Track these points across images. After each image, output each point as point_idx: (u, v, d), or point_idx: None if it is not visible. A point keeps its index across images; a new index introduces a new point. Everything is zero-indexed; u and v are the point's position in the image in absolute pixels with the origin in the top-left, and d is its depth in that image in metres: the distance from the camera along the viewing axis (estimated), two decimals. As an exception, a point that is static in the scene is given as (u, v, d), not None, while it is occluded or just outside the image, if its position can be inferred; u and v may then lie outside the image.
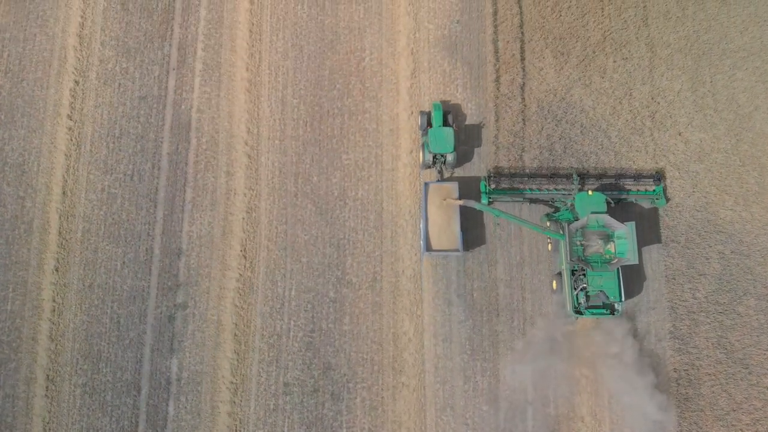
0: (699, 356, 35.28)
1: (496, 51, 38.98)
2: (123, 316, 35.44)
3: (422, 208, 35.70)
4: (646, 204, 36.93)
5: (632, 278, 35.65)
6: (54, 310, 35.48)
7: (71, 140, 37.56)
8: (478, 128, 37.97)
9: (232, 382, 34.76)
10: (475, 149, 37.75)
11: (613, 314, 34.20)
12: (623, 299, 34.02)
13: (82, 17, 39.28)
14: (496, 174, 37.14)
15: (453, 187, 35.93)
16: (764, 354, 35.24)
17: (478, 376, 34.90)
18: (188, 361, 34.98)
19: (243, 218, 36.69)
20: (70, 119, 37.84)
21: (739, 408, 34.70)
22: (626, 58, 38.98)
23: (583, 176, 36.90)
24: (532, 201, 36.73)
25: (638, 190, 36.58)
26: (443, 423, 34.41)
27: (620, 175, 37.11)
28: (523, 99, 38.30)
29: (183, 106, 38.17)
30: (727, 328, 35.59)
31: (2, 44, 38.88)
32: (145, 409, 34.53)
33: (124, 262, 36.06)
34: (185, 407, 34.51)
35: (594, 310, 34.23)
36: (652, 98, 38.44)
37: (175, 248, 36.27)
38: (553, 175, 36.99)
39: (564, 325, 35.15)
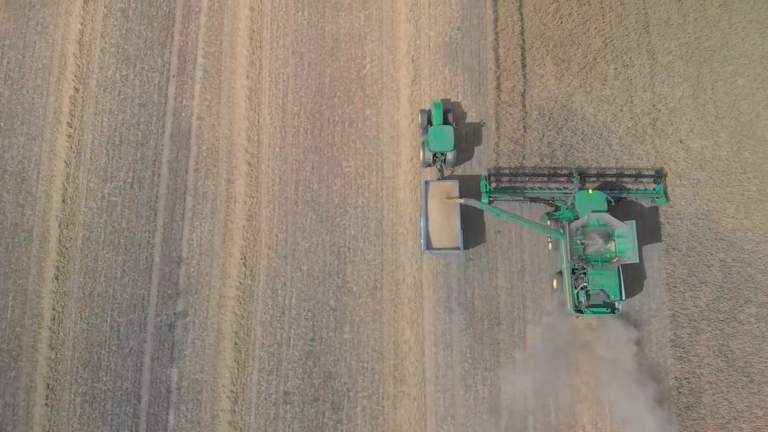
0: (700, 364, 35.20)
1: (497, 58, 38.90)
2: (123, 325, 35.38)
3: (422, 206, 35.67)
4: (646, 203, 36.95)
5: (632, 278, 35.67)
6: (54, 319, 35.43)
7: (71, 148, 37.50)
8: (478, 128, 37.90)
9: (232, 391, 34.71)
10: (475, 147, 37.73)
11: (614, 313, 34.24)
12: (623, 298, 34.05)
13: (82, 24, 39.22)
14: (497, 173, 37.08)
15: (453, 186, 35.93)
16: (765, 362, 35.16)
17: (479, 385, 34.84)
18: (188, 369, 34.92)
19: (243, 226, 36.62)
20: (70, 127, 37.78)
21: (740, 416, 34.62)
22: (627, 65, 38.90)
23: (584, 175, 36.90)
24: (533, 200, 36.74)
25: (639, 189, 36.66)
26: (444, 432, 34.47)
27: (620, 174, 37.07)
28: (524, 106, 38.22)
29: (183, 114, 38.11)
30: (729, 336, 35.52)
31: (2, 51, 38.85)
32: (145, 418, 34.48)
33: (124, 271, 36.00)
34: (185, 416, 34.47)
35: (594, 309, 34.24)
36: (653, 105, 38.36)
37: (176, 256, 36.20)
38: (554, 174, 36.99)
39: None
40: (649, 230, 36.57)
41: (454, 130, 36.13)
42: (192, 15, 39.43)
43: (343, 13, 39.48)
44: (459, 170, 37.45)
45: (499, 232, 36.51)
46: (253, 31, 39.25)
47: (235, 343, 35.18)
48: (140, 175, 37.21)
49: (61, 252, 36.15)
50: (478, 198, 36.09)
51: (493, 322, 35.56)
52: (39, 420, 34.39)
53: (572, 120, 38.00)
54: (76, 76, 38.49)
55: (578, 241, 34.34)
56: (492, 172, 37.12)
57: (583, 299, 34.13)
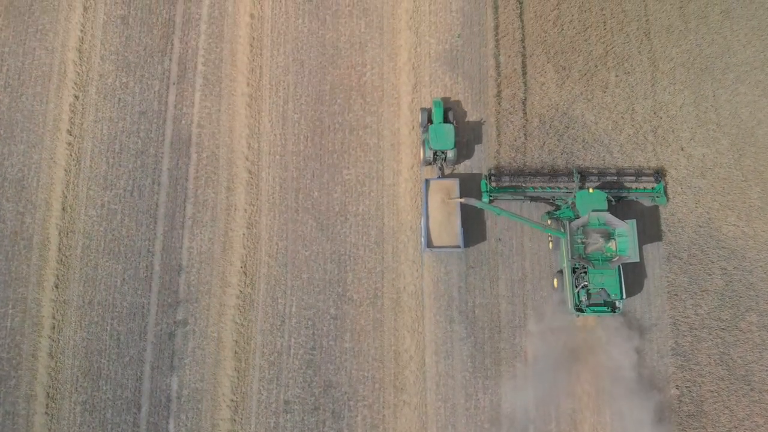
0: (701, 373, 35.14)
1: (498, 65, 38.82)
2: (123, 333, 35.30)
3: (423, 204, 35.63)
4: (646, 202, 36.95)
5: (634, 284, 35.74)
6: (54, 327, 35.35)
7: (71, 155, 37.42)
8: (479, 127, 37.87)
9: (232, 400, 34.63)
10: (476, 146, 37.72)
11: (614, 312, 34.27)
12: (624, 297, 34.07)
13: (81, 31, 39.12)
14: (497, 172, 37.06)
15: (454, 184, 35.92)
16: (766, 370, 35.11)
17: (479, 394, 34.77)
18: (188, 378, 34.85)
19: (243, 234, 36.54)
20: (70, 134, 37.70)
21: (741, 425, 34.57)
22: (628, 72, 38.82)
23: (584, 174, 36.88)
24: (533, 199, 36.74)
25: (639, 188, 36.68)
26: (444, 441, 34.40)
27: (621, 173, 37.03)
28: (525, 114, 38.14)
29: (183, 121, 38.03)
30: (730, 344, 35.46)
31: (1, 58, 38.74)
32: (146, 427, 34.40)
33: (124, 279, 35.92)
34: (185, 425, 34.39)
35: (595, 308, 34.25)
36: (655, 113, 38.28)
37: (176, 264, 36.12)
38: (554, 174, 36.95)
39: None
40: (650, 230, 36.56)
41: (455, 128, 36.18)
42: (192, 22, 39.34)
43: (343, 20, 39.40)
44: (459, 168, 37.46)
45: (500, 240, 36.46)
46: (254, 39, 39.16)
47: (236, 352, 35.11)
48: (140, 183, 37.12)
49: (61, 260, 36.07)
50: (479, 197, 36.08)
51: (494, 331, 35.50)
52: (39, 429, 34.30)
53: (573, 127, 37.92)
54: (75, 83, 38.40)
55: (579, 240, 34.38)
56: (492, 171, 37.07)
57: (583, 298, 34.16)
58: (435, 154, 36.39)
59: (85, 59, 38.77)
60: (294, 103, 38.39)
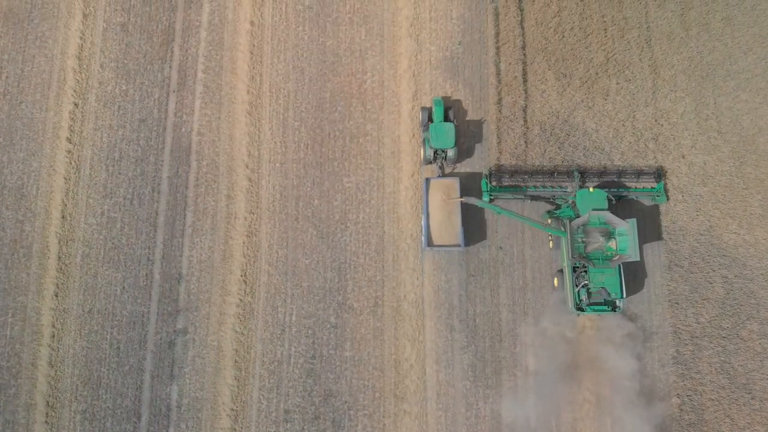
0: (702, 381, 35.08)
1: (498, 73, 38.72)
2: (123, 342, 35.23)
3: (423, 203, 35.62)
4: (647, 201, 36.95)
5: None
6: (53, 336, 35.27)
7: (70, 163, 37.32)
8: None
9: (232, 409, 34.56)
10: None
11: (615, 311, 34.27)
12: (624, 296, 34.11)
13: (81, 39, 39.02)
14: (498, 172, 37.00)
15: (454, 183, 35.90)
16: (767, 379, 35.02)
17: (480, 403, 34.70)
18: (188, 387, 34.77)
19: (243, 242, 36.45)
20: (70, 142, 37.60)
21: (742, 434, 34.61)
22: (629, 79, 38.72)
23: (584, 173, 36.87)
24: (534, 198, 36.73)
25: (639, 188, 36.72)
26: (445, 450, 34.34)
27: (621, 173, 37.02)
28: (526, 121, 38.05)
29: (183, 129, 37.93)
30: (731, 353, 35.38)
31: (1, 66, 38.64)
32: (145, 436, 34.42)
33: (123, 287, 35.84)
34: (185, 434, 34.39)
35: (595, 307, 34.24)
36: (656, 120, 38.19)
37: (175, 273, 36.04)
38: (555, 173, 36.93)
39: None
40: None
41: (455, 127, 36.19)
42: (192, 29, 39.24)
43: (343, 27, 39.30)
44: (460, 167, 37.47)
45: (501, 248, 36.39)
46: (254, 46, 39.06)
47: (236, 361, 35.04)
48: (140, 191, 37.03)
49: (61, 268, 35.98)
50: (479, 196, 36.11)
51: (495, 340, 35.43)
52: (38, 438, 34.31)
53: (574, 135, 37.84)
54: (75, 91, 38.30)
55: (579, 239, 34.40)
56: (493, 170, 37.02)
57: (584, 297, 34.16)
58: (435, 152, 36.43)
59: (85, 67, 38.67)
60: (294, 110, 38.30)
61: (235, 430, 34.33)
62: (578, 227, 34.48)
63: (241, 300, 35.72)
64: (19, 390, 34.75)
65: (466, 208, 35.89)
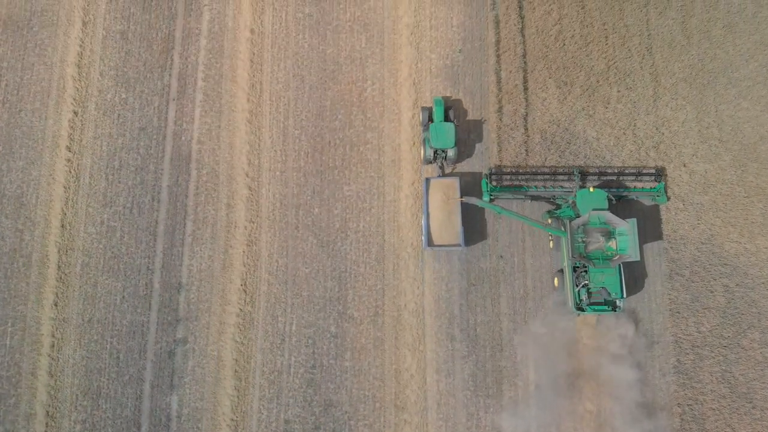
0: (703, 391, 35.01)
1: (499, 81, 38.61)
2: (123, 352, 35.14)
3: (423, 203, 35.61)
4: (647, 201, 36.93)
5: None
6: (53, 346, 35.19)
7: (70, 172, 37.22)
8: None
9: (232, 419, 34.48)
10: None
11: (615, 311, 34.28)
12: (625, 296, 34.12)
13: (80, 46, 38.90)
14: (498, 172, 36.97)
15: (454, 183, 35.87)
16: (769, 388, 35.11)
17: (481, 413, 34.63)
18: (188, 397, 34.69)
19: (243, 251, 36.36)
20: (69, 151, 37.50)
21: (743, 443, 34.55)
22: (630, 87, 38.62)
23: (585, 173, 36.84)
24: (534, 198, 36.72)
25: (640, 188, 36.72)
26: (446, 460, 34.28)
27: (621, 173, 36.97)
28: (526, 129, 37.95)
29: (183, 138, 37.83)
30: (732, 362, 35.31)
31: (0, 74, 38.51)
32: (145, 446, 34.35)
33: (123, 297, 35.75)
34: (185, 445, 34.32)
35: (596, 307, 34.26)
36: (657, 129, 38.10)
37: (175, 282, 35.96)
38: (555, 173, 36.91)
39: None
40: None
41: (455, 127, 36.17)
42: (192, 37, 39.12)
43: (344, 35, 39.19)
44: (460, 167, 37.47)
45: (501, 257, 36.32)
46: (254, 54, 38.95)
47: (236, 371, 34.96)
48: (140, 200, 36.94)
49: (60, 278, 35.89)
50: (479, 196, 36.17)
51: (496, 349, 35.35)
52: (38, 448, 34.24)
53: (575, 143, 37.74)
54: (75, 99, 38.19)
55: (579, 239, 34.41)
56: (493, 170, 36.99)
57: (584, 297, 34.17)
58: (435, 152, 36.39)
59: (85, 75, 38.55)
60: (294, 118, 38.21)
61: (235, 440, 34.33)
62: (578, 227, 34.53)
63: (241, 309, 35.64)
64: (19, 400, 34.68)
65: (466, 208, 35.92)
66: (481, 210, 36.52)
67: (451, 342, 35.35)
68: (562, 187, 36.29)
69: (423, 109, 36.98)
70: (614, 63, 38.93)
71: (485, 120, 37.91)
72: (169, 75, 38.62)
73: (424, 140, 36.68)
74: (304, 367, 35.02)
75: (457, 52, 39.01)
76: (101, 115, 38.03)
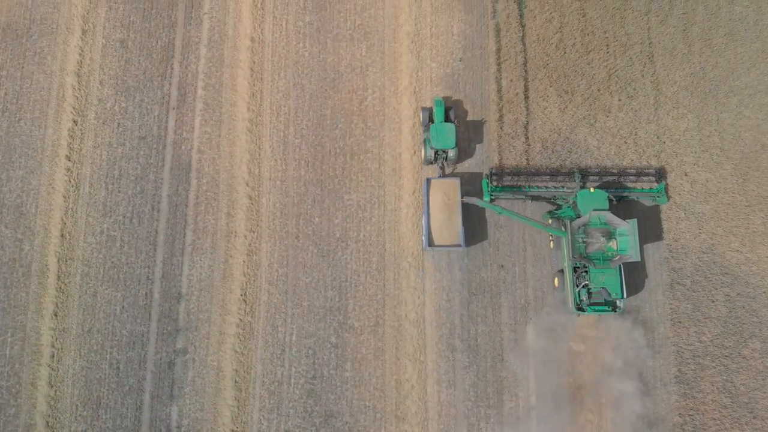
0: (704, 401, 34.93)
1: (500, 89, 38.51)
2: (122, 362, 35.05)
3: (424, 203, 35.60)
4: (647, 201, 36.91)
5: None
6: (53, 356, 35.09)
7: (70, 181, 37.12)
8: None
9: (233, 430, 34.38)
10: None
11: (615, 311, 34.29)
12: (625, 296, 34.14)
13: (80, 55, 38.78)
14: (499, 172, 36.92)
15: (454, 183, 35.83)
16: (770, 398, 35.04)
17: (482, 423, 34.55)
18: (188, 408, 34.60)
19: (243, 261, 36.27)
20: (69, 160, 37.39)
21: (744, 453, 34.48)
22: (631, 96, 38.52)
23: (585, 174, 36.82)
24: (534, 198, 36.71)
25: (640, 188, 36.72)
26: (446, 471, 34.20)
27: (622, 173, 36.94)
28: (527, 138, 37.85)
29: (183, 147, 37.73)
30: (733, 371, 35.23)
31: (-1, 82, 38.56)
32: (145, 457, 34.27)
33: (123, 307, 35.66)
34: (186, 455, 34.24)
35: (596, 307, 34.26)
36: (658, 137, 38.00)
37: (175, 292, 35.86)
38: (556, 173, 36.87)
39: None
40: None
41: (456, 127, 36.12)
42: (192, 46, 39.01)
43: (344, 44, 39.08)
44: (461, 167, 37.47)
45: (502, 266, 36.23)
46: (254, 63, 38.84)
47: (236, 381, 34.87)
48: (140, 209, 36.83)
49: (60, 288, 35.80)
50: (480, 196, 36.22)
51: (497, 360, 35.26)
52: (38, 459, 34.17)
53: (576, 152, 37.65)
54: (74, 108, 38.08)
55: (580, 240, 34.39)
56: (494, 170, 36.95)
57: (584, 297, 34.17)
58: (436, 153, 36.34)
59: (84, 83, 38.44)
60: (295, 127, 38.10)
61: (235, 451, 34.25)
62: (579, 227, 34.55)
63: (241, 320, 35.54)
64: (19, 410, 34.58)
65: (466, 208, 35.89)
66: (482, 210, 36.51)
67: (452, 352, 35.26)
68: (562, 187, 36.24)
69: (423, 109, 37.01)
70: (615, 71, 38.82)
71: (485, 121, 37.79)
72: (169, 84, 38.51)
73: (424, 141, 36.66)
74: (305, 378, 34.94)
75: (457, 60, 38.91)
76: (101, 124, 37.93)
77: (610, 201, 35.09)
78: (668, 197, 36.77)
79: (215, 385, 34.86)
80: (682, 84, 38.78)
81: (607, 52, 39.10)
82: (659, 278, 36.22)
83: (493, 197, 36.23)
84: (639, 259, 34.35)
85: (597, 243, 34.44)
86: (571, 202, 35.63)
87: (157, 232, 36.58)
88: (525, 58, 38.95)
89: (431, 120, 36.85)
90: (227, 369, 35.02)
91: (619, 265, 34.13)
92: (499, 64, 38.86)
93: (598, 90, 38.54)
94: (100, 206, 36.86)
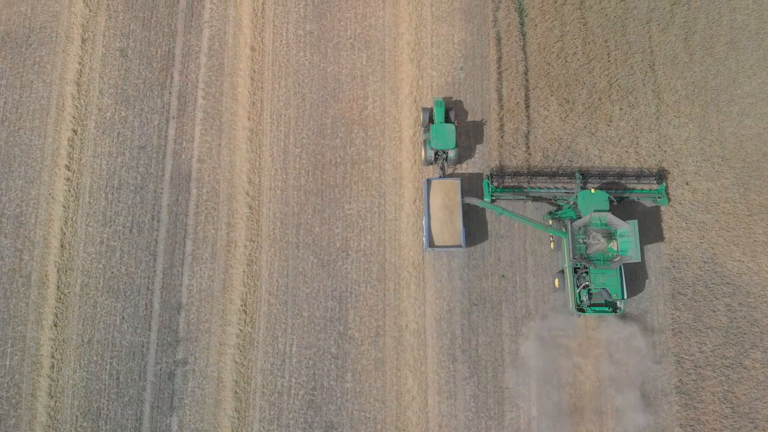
0: (705, 411, 34.86)
1: (500, 98, 38.39)
2: (122, 373, 34.98)
3: (424, 204, 35.57)
4: (648, 202, 36.89)
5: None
6: (53, 366, 35.03)
7: (69, 191, 37.02)
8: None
9: (233, 441, 34.43)
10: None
11: (615, 312, 34.29)
12: (626, 297, 34.14)
13: (80, 64, 38.67)
14: (499, 172, 36.82)
15: (455, 184, 35.81)
16: (771, 408, 34.98)
17: (482, 434, 34.56)
18: (188, 419, 34.55)
19: (243, 271, 36.18)
20: (69, 169, 37.29)
21: (745, 464, 34.42)
22: (633, 105, 38.40)
23: (586, 175, 36.77)
24: (535, 199, 36.69)
25: (641, 189, 36.70)
26: (447, 483, 34.16)
27: (622, 174, 36.88)
28: (528, 147, 37.74)
29: (183, 156, 37.62)
30: (734, 381, 35.16)
31: (-1, 91, 38.45)
32: (146, 468, 34.21)
33: (123, 317, 35.58)
34: (186, 467, 34.19)
35: (596, 308, 34.25)
36: (659, 146, 37.89)
37: (175, 302, 35.78)
38: (556, 174, 36.82)
39: None
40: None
41: (456, 128, 36.08)
42: (192, 55, 38.88)
43: (345, 53, 38.96)
44: (461, 168, 37.44)
45: (503, 276, 36.14)
46: (255, 72, 38.72)
47: (236, 392, 34.80)
48: (139, 219, 36.74)
49: (60, 298, 35.72)
50: (480, 196, 36.23)
51: (498, 370, 35.18)
52: (38, 470, 34.11)
53: (577, 162, 37.54)
54: (74, 117, 37.97)
55: (580, 240, 34.36)
56: (495, 171, 36.88)
57: (585, 298, 34.15)
58: (436, 153, 36.30)
59: (84, 93, 38.33)
60: (295, 137, 38.00)
61: (235, 462, 34.19)
62: (579, 228, 34.52)
63: (241, 330, 35.47)
64: (19, 421, 34.54)
65: (467, 208, 35.88)
66: (482, 211, 36.48)
67: (453, 363, 35.19)
68: (563, 188, 36.19)
69: (424, 110, 36.96)
70: (616, 80, 38.71)
71: (485, 121, 37.68)
72: (169, 93, 38.40)
73: (424, 141, 36.60)
74: (305, 389, 34.86)
75: (458, 69, 38.79)
76: (101, 133, 37.83)
77: (611, 202, 35.11)
78: (669, 198, 36.70)
79: (215, 396, 34.80)
80: (684, 93, 38.66)
81: (608, 61, 38.97)
82: (660, 288, 36.14)
83: (493, 198, 36.18)
84: (639, 260, 34.27)
85: (597, 244, 34.45)
86: (571, 202, 35.64)
87: (157, 242, 36.49)
88: (526, 66, 38.83)
89: (431, 120, 36.79)
90: (227, 380, 34.95)
91: (620, 266, 34.09)
92: (499, 73, 38.74)
93: (599, 99, 38.43)
94: (100, 216, 36.77)
